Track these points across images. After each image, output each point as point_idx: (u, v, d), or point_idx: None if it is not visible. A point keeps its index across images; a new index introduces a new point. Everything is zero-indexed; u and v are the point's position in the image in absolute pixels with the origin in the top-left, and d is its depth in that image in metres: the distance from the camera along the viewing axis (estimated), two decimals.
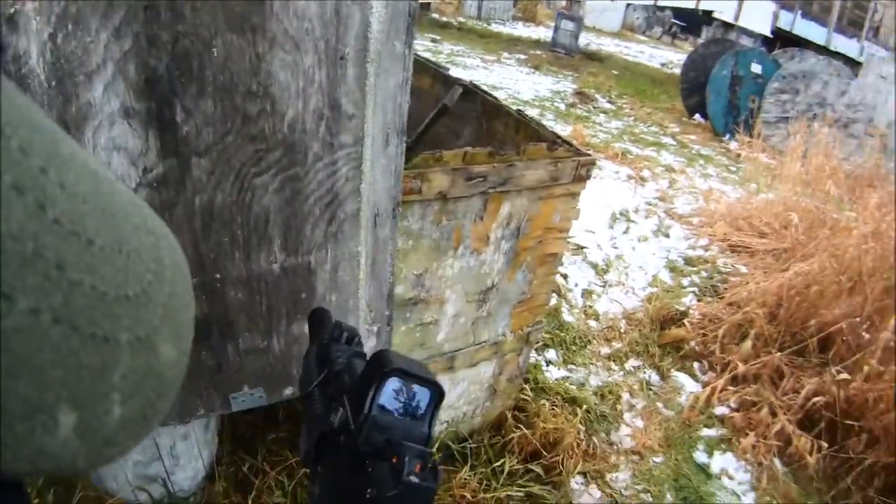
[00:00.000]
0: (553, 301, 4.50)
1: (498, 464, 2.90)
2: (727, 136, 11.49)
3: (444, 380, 2.51)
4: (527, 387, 3.29)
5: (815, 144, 7.08)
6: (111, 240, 0.37)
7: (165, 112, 1.31)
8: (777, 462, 3.58)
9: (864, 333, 4.05)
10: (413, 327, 2.30)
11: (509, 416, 3.09)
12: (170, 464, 2.36)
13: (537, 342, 3.00)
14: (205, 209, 1.47)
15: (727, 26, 19.10)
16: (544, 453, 3.01)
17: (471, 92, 3.26)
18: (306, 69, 1.43)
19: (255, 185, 1.49)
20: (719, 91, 12.34)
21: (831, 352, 4.01)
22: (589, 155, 2.42)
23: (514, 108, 3.02)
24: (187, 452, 2.39)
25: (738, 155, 9.99)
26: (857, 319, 4.05)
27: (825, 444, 3.50)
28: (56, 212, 0.32)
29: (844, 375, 3.66)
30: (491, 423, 3.08)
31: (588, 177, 2.45)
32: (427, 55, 13.17)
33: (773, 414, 3.73)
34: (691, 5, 19.31)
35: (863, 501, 3.39)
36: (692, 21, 31.37)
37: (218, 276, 1.58)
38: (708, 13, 19.73)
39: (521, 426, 3.05)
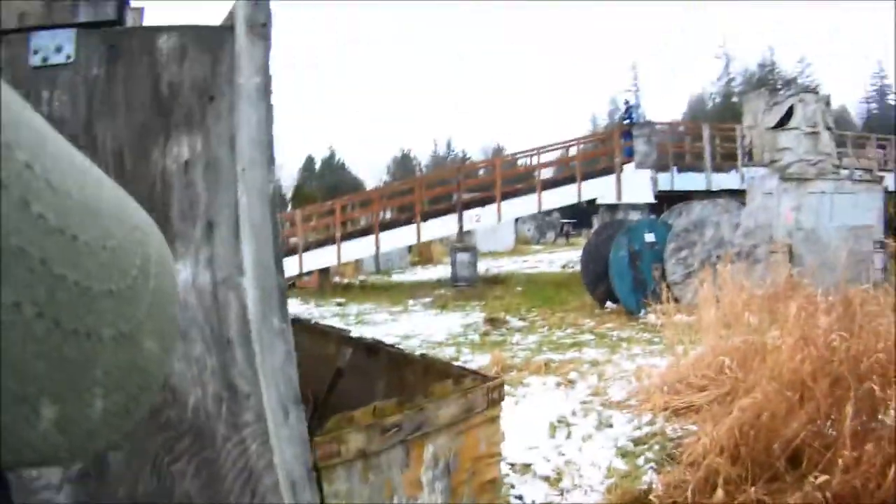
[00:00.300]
0: None
1: None
2: (642, 313, 11.69)
3: None
4: None
5: (723, 285, 7.37)
6: (96, 235, 0.37)
7: None
8: None
9: (828, 432, 4.10)
10: None
11: None
12: None
13: None
14: (130, 498, 1.48)
15: (613, 208, 19.94)
16: None
17: (374, 348, 3.41)
18: (198, 357, 1.54)
19: (173, 472, 1.52)
20: (621, 273, 12.81)
21: (803, 464, 4.02)
22: (496, 378, 2.55)
23: (419, 353, 3.16)
24: None
25: (658, 326, 10.21)
26: (817, 423, 4.11)
27: None
28: (40, 207, 0.33)
29: (823, 477, 3.66)
30: None
31: (502, 398, 2.55)
32: (335, 320, 13.51)
33: None
34: (573, 200, 20.16)
35: None
36: (580, 215, 33.06)
37: None
38: (591, 202, 20.63)
39: None
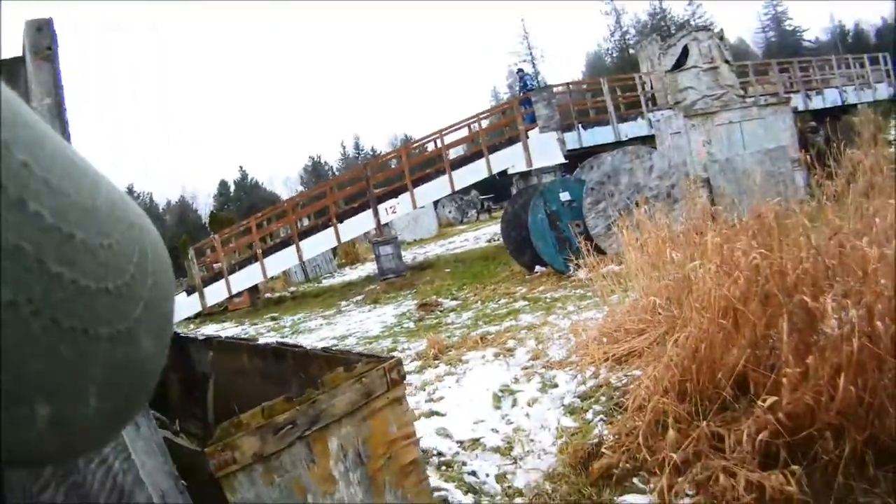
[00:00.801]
0: (470, 500, 4.37)
1: None
2: (572, 270, 11.71)
3: None
4: None
5: (642, 229, 7.38)
6: (93, 233, 0.37)
7: None
8: None
9: (770, 353, 4.08)
10: None
11: None
12: None
13: None
14: None
15: (526, 176, 20.01)
16: None
17: (280, 352, 3.30)
18: None
19: (43, 500, 1.41)
20: (543, 235, 12.87)
21: (750, 388, 4.01)
22: (392, 358, 2.46)
23: (334, 347, 3.07)
24: None
25: (588, 280, 10.26)
26: (757, 346, 4.09)
27: (797, 468, 3.38)
28: (37, 206, 0.33)
29: (772, 399, 3.60)
30: None
31: (402, 377, 2.47)
32: (271, 335, 13.34)
33: (733, 475, 3.57)
34: (484, 174, 20.15)
35: (868, 484, 3.32)
36: (498, 190, 33.23)
37: None
38: (504, 173, 20.67)
39: None
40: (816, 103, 25.08)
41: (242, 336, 13.80)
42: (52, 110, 1.70)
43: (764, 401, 3.64)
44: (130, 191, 69.89)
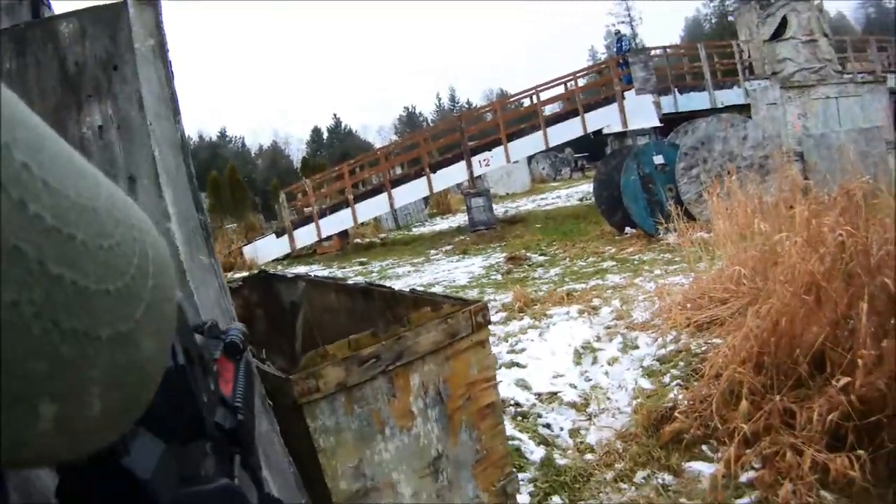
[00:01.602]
0: (542, 452, 4.42)
1: None
2: (662, 234, 11.43)
3: None
4: None
5: (733, 197, 7.19)
6: (93, 235, 0.37)
7: None
8: (826, 494, 3.37)
9: (845, 332, 3.94)
10: None
11: None
12: None
13: (516, 492, 2.93)
14: None
15: (621, 136, 19.65)
16: None
17: (368, 291, 3.39)
18: None
19: None
20: (635, 197, 12.67)
21: (827, 367, 3.88)
22: (478, 301, 2.50)
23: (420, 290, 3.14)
24: None
25: (679, 245, 10.07)
26: (837, 325, 3.96)
27: (862, 452, 3.32)
28: (37, 207, 0.33)
29: (845, 380, 3.54)
30: None
31: (487, 322, 2.51)
32: (359, 279, 13.58)
33: (800, 452, 3.54)
34: (579, 132, 19.89)
35: None
36: (591, 148, 32.70)
37: None
38: (598, 132, 20.36)
39: None
40: None
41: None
42: (154, 51, 1.85)
43: (838, 381, 3.57)
44: (223, 134, 71.29)
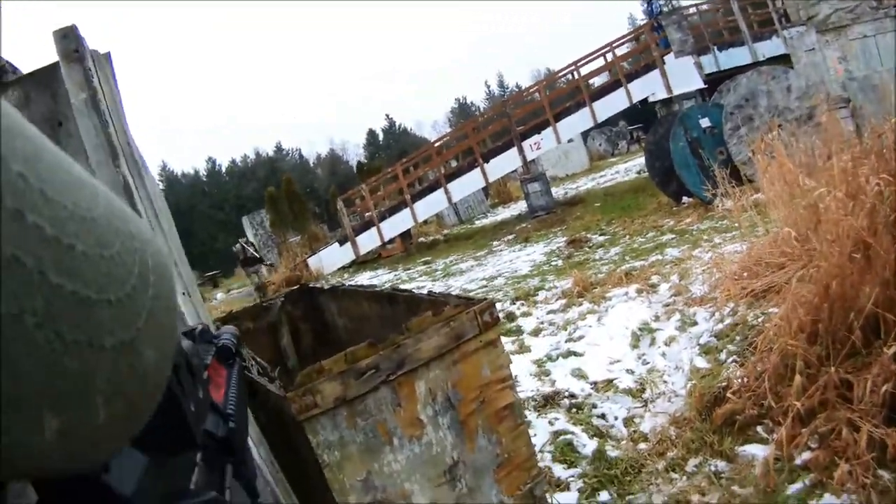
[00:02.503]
0: (594, 445, 4.35)
1: None
2: (717, 200, 11.14)
3: None
4: None
5: (777, 155, 6.87)
6: (93, 244, 0.37)
7: None
8: (883, 473, 3.13)
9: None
10: None
11: None
12: None
13: (545, 494, 2.86)
14: None
15: (668, 102, 19.38)
16: None
17: (393, 297, 3.39)
18: None
19: None
20: (686, 164, 12.40)
21: (882, 333, 3.62)
22: (484, 300, 2.45)
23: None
24: None
25: (742, 210, 9.71)
26: (888, 282, 3.68)
27: None
28: (36, 217, 0.33)
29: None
30: None
31: (495, 321, 2.46)
32: (423, 279, 13.70)
33: (857, 429, 3.31)
34: (625, 104, 19.58)
35: None
36: (645, 119, 32.13)
37: None
38: (644, 101, 20.13)
39: None
40: None
41: (393, 282, 14.33)
42: (87, 103, 1.99)
43: (890, 347, 3.36)
44: (279, 148, 72.20)
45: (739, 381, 4.35)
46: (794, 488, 3.36)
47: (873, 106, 11.56)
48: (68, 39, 1.99)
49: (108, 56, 2.27)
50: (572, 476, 4.04)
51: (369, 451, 2.19)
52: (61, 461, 0.37)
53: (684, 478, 3.83)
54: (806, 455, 3.48)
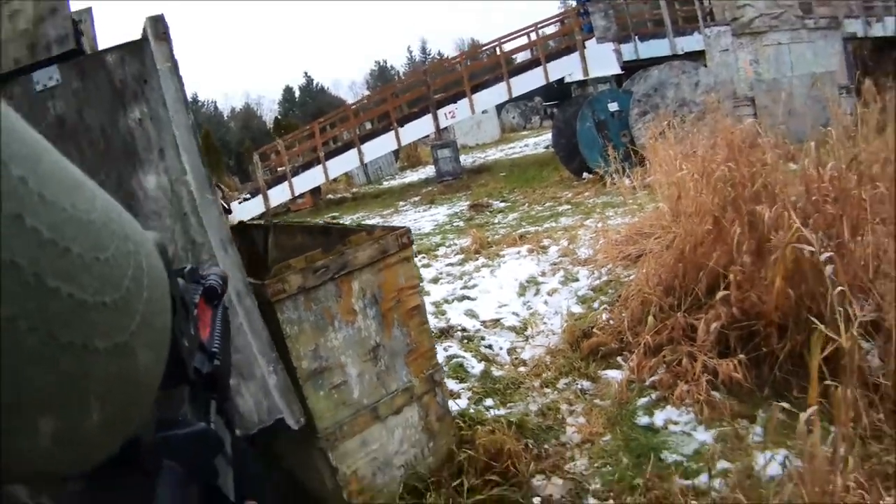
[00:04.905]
0: (482, 367, 5.20)
1: (456, 483, 3.42)
2: (616, 179, 11.90)
3: (378, 429, 3.28)
4: (465, 425, 3.88)
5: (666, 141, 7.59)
6: (89, 247, 0.37)
7: None
8: (714, 394, 4.00)
9: (735, 255, 4.43)
10: (329, 391, 3.07)
11: (455, 448, 3.62)
12: None
13: (443, 380, 3.72)
14: None
15: (583, 84, 20.03)
16: (493, 464, 3.51)
17: (326, 229, 4.21)
18: (169, 226, 2.55)
19: None
20: (591, 143, 13.29)
21: (721, 288, 4.41)
22: (402, 228, 3.31)
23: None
24: None
25: (633, 188, 10.54)
26: (726, 248, 4.52)
27: (742, 356, 3.97)
28: (34, 221, 0.33)
29: (724, 293, 4.20)
30: (443, 459, 3.64)
31: (411, 242, 3.33)
32: None
33: (695, 359, 4.19)
34: (541, 82, 20.17)
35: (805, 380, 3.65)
36: (561, 96, 32.77)
37: None
38: (560, 81, 20.68)
39: (467, 450, 3.59)
40: (876, 30, 23.99)
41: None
42: (170, 70, 2.76)
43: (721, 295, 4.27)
44: (195, 99, 69.67)
45: (605, 321, 5.34)
46: (642, 401, 4.29)
47: (776, 107, 12.61)
48: (159, 24, 2.72)
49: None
50: (463, 388, 4.85)
51: (318, 329, 3.02)
52: (53, 464, 0.37)
53: (555, 392, 4.72)
54: (654, 378, 4.41)
